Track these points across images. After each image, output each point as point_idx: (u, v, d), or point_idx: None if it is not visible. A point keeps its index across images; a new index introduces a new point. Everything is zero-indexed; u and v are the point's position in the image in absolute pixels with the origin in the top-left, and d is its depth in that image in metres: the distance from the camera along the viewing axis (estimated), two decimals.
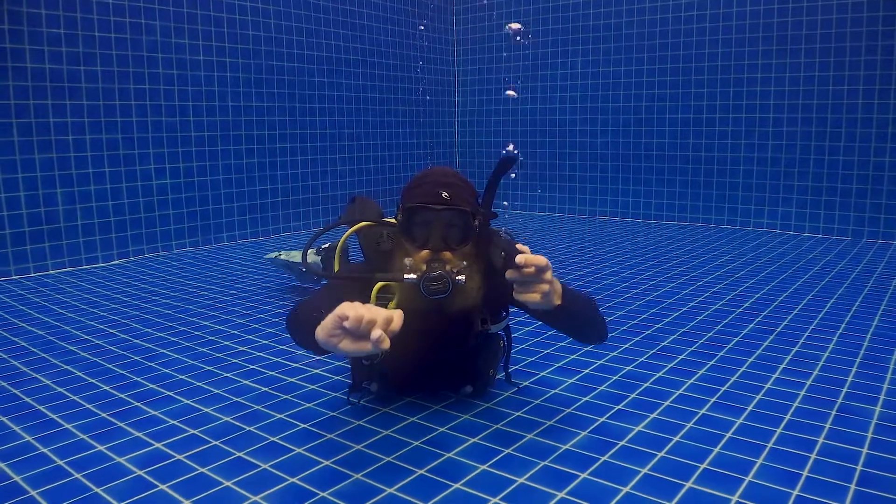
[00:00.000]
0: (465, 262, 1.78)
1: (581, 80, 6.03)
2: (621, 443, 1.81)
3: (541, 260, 1.52)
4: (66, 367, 2.43)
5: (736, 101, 5.26)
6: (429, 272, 1.70)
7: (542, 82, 6.27)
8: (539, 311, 1.66)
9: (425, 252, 1.76)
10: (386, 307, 1.85)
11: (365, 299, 1.82)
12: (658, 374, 2.30)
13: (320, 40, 5.48)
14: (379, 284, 1.81)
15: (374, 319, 1.26)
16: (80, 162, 4.11)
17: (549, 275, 1.54)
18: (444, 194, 1.77)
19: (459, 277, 1.72)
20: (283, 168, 5.31)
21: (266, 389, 2.21)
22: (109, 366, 2.44)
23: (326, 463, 1.71)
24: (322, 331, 1.33)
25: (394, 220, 1.91)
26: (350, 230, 1.98)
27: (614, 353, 2.50)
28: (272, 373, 2.36)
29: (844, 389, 2.14)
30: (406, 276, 1.71)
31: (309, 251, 3.34)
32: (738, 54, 5.21)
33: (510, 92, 6.22)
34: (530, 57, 6.30)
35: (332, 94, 5.61)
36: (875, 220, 4.80)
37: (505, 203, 6.36)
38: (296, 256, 3.47)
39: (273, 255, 3.60)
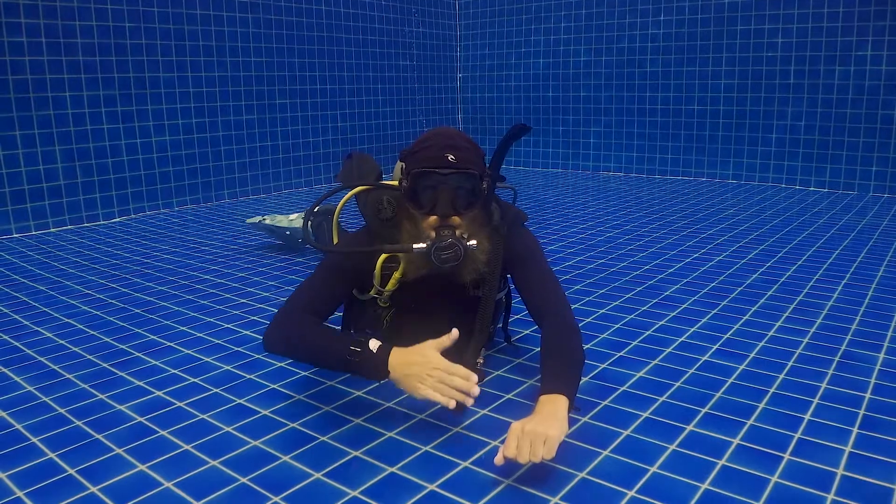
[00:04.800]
0: (473, 226, 1.73)
1: (585, 32, 5.92)
2: (622, 388, 1.80)
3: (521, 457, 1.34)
4: (67, 320, 2.43)
5: (742, 53, 5.16)
6: (439, 240, 1.64)
7: (546, 35, 6.16)
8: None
9: (433, 218, 1.69)
10: (391, 277, 1.82)
11: (368, 271, 1.79)
12: (660, 323, 2.28)
13: None
14: (384, 255, 1.76)
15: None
16: (78, 119, 4.06)
17: (529, 453, 1.33)
18: (451, 157, 1.67)
19: (471, 242, 1.67)
20: (284, 124, 5.25)
21: None
22: (110, 318, 2.44)
23: (327, 408, 1.71)
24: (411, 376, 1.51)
25: (395, 183, 1.83)
26: (347, 195, 1.91)
27: (616, 303, 2.49)
28: None
29: (848, 337, 2.13)
30: (415, 245, 1.67)
31: (297, 215, 3.30)
32: (744, 5, 5.09)
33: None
34: (533, 10, 6.19)
35: (331, 48, 5.52)
36: (882, 174, 4.74)
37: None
38: (281, 221, 3.34)
39: (256, 219, 3.44)
